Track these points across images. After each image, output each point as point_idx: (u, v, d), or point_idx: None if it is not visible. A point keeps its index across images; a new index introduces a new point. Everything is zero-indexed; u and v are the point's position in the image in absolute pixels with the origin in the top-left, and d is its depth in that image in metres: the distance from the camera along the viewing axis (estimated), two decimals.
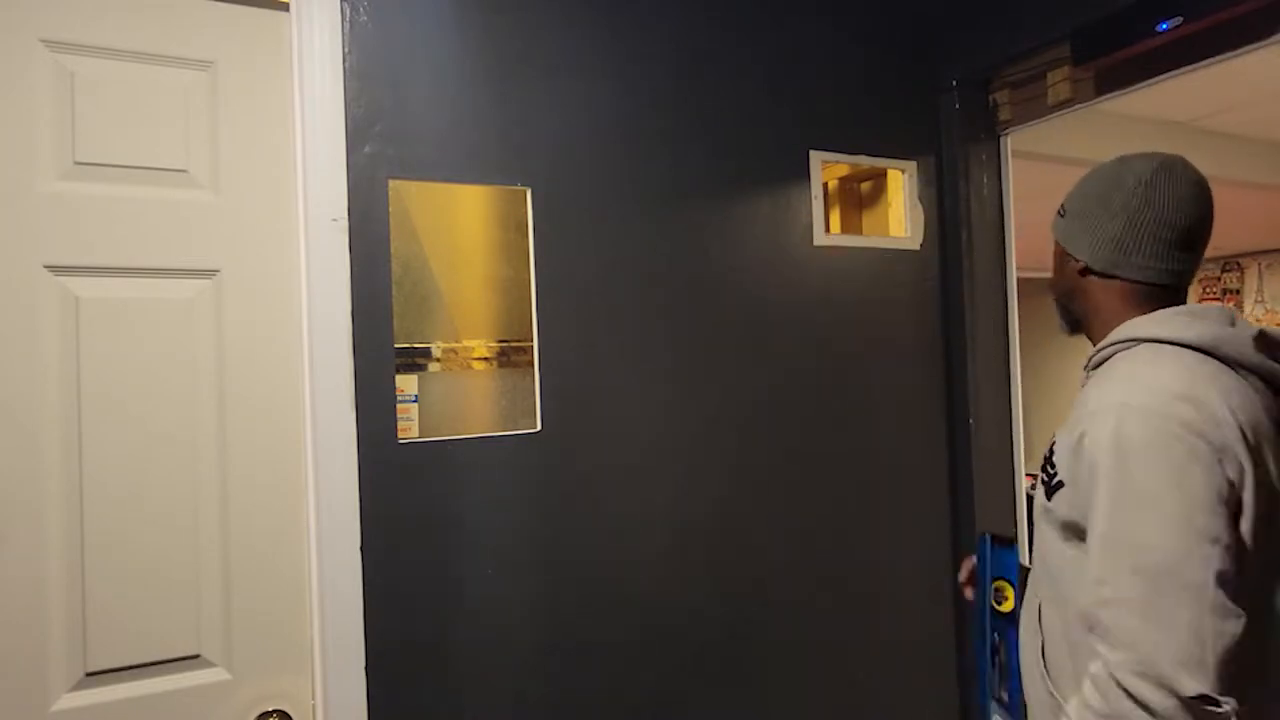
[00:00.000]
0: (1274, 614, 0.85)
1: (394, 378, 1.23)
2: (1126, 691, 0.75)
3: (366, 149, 1.22)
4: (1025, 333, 1.86)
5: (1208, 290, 6.30)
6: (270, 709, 1.20)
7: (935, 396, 1.73)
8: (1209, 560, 0.74)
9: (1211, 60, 1.38)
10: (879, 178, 1.81)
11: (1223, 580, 0.75)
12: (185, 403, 1.19)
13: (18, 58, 1.10)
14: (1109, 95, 1.55)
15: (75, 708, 1.10)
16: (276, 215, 1.26)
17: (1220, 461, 0.78)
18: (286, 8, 1.27)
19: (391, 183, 1.24)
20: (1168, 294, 0.96)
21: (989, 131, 1.76)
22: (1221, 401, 0.81)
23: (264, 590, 1.22)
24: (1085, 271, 0.99)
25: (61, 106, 1.13)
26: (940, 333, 1.74)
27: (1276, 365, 0.88)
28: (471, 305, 1.30)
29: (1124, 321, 0.95)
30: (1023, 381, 1.79)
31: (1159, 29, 1.35)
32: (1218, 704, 0.72)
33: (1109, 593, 0.78)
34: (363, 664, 1.18)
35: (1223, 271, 6.21)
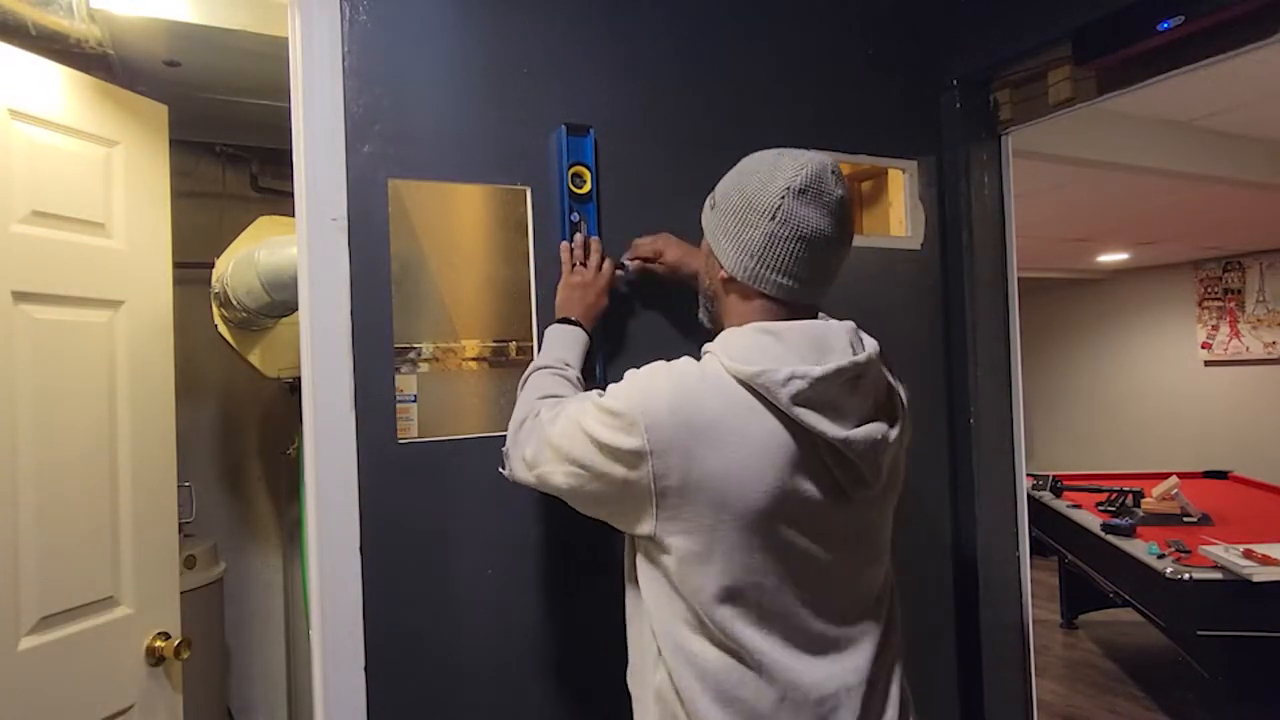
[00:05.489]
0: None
1: (393, 377, 1.23)
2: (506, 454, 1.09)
3: (366, 148, 1.22)
4: (1027, 333, 1.86)
5: (1209, 290, 6.31)
6: (157, 631, 1.61)
7: (935, 396, 1.73)
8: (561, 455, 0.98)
9: (1212, 60, 1.38)
10: (879, 177, 1.81)
11: (549, 459, 0.99)
12: (104, 400, 1.54)
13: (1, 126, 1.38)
14: (1110, 95, 1.55)
15: (35, 646, 1.40)
16: (160, 261, 1.69)
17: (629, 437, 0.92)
18: (167, 102, 1.69)
19: (391, 182, 1.23)
20: (800, 307, 0.98)
21: (990, 131, 1.76)
22: (689, 414, 0.91)
23: (150, 545, 1.62)
24: (728, 281, 1.00)
25: (27, 163, 1.42)
26: (940, 333, 1.74)
27: (802, 419, 0.89)
28: (471, 305, 1.30)
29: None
30: (1028, 382, 1.78)
31: (1160, 28, 1.35)
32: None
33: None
34: (362, 664, 1.17)
35: (1224, 271, 6.20)
